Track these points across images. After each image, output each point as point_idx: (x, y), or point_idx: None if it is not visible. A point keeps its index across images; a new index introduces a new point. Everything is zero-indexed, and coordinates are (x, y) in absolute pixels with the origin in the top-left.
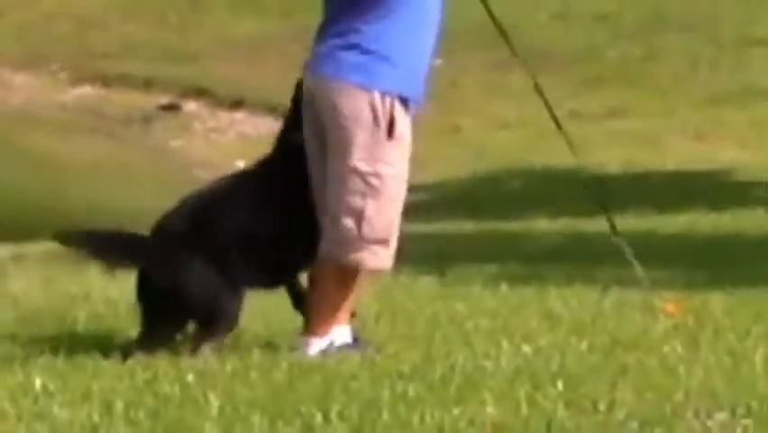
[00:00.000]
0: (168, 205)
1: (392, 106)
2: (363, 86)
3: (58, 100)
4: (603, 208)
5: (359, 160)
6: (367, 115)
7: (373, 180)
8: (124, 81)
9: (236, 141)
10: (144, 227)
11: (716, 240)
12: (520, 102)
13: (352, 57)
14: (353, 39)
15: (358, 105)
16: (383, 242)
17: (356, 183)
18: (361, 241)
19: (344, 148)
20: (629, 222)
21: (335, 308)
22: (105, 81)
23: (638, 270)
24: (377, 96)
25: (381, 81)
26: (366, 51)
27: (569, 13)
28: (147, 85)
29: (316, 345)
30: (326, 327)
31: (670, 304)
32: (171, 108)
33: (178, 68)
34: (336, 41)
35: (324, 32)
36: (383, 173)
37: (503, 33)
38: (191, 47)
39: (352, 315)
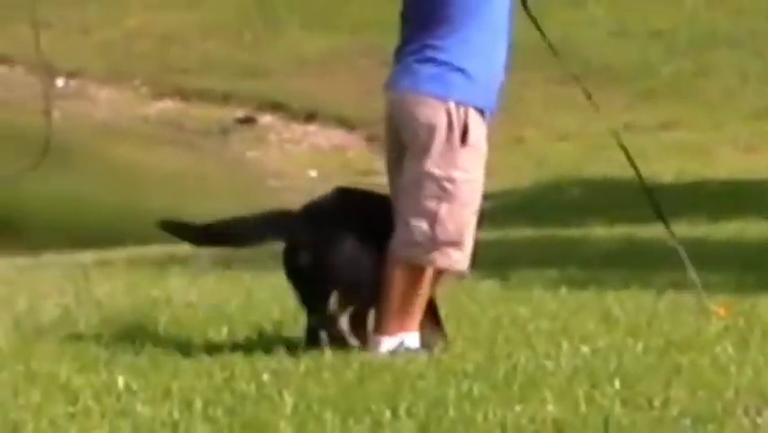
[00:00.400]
0: (241, 211)
1: (466, 115)
2: (439, 95)
3: (140, 114)
4: (659, 215)
5: (433, 165)
6: (442, 122)
7: (447, 185)
8: (203, 96)
9: (309, 152)
10: None
11: (765, 246)
12: (580, 115)
13: (427, 69)
14: (428, 53)
15: (434, 114)
16: (455, 244)
17: (431, 187)
18: (434, 242)
19: (421, 154)
20: (682, 229)
21: (405, 309)
22: (185, 96)
23: (692, 272)
24: (452, 104)
25: (456, 91)
26: (440, 63)
27: (625, 30)
28: (225, 99)
29: (386, 344)
30: (396, 326)
31: (721, 307)
32: (248, 121)
33: (254, 83)
34: (412, 58)
35: (401, 53)
36: (457, 178)
37: (554, 51)
38: (266, 63)
39: (442, 334)
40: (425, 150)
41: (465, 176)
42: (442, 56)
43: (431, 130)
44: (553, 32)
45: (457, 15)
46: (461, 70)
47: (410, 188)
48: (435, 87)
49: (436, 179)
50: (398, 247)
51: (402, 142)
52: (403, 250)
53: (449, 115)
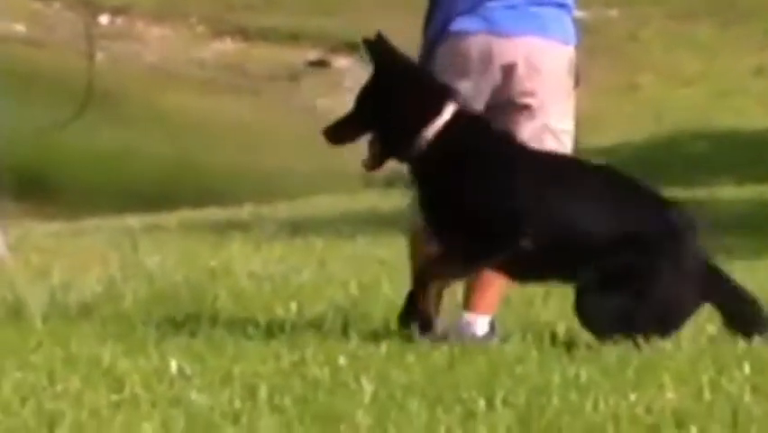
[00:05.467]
0: (313, 168)
1: (576, 56)
2: (564, 40)
3: (196, 56)
4: None
5: (554, 117)
6: (567, 70)
7: (563, 137)
8: (268, 35)
9: None
10: (288, 191)
11: None
12: (705, 56)
13: (550, 12)
14: None
15: (560, 62)
16: None
17: (549, 142)
18: None
19: (543, 107)
20: None
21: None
22: (247, 35)
23: None
24: (572, 49)
25: (573, 34)
26: (560, 6)
27: None
28: (293, 39)
29: (482, 324)
30: (495, 304)
31: None
32: (320, 64)
33: (328, 20)
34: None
35: None
36: (569, 129)
37: None
38: None
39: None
40: (549, 102)
41: (572, 125)
42: None
43: (557, 80)
44: None
45: None
46: (571, 10)
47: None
48: (561, 33)
49: (555, 133)
50: None
51: (507, 88)
52: None
53: (570, 61)
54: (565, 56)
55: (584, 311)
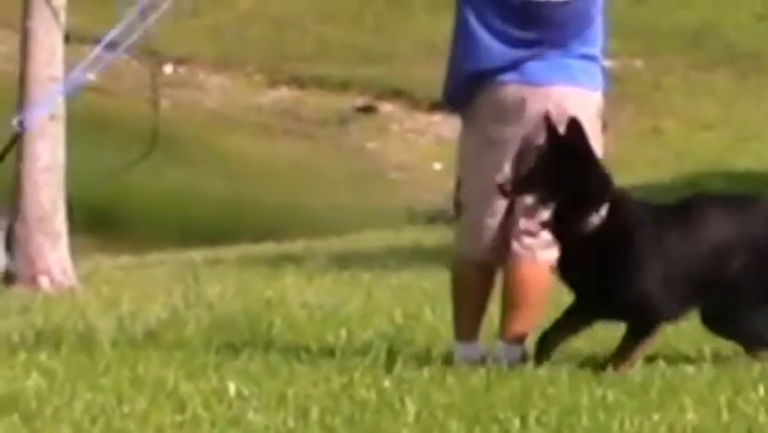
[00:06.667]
0: (361, 206)
1: (604, 103)
2: (592, 87)
3: (253, 102)
4: None
5: None
6: (595, 114)
7: None
8: (320, 83)
9: (434, 143)
10: (338, 227)
11: None
12: (724, 103)
13: (579, 63)
14: (576, 48)
15: (588, 107)
16: None
17: None
18: None
19: None
20: None
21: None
22: (301, 83)
23: None
24: (599, 95)
25: (600, 82)
26: (586, 57)
27: None
28: (343, 86)
29: (516, 352)
30: (528, 334)
31: None
32: (368, 110)
33: (375, 69)
34: (555, 51)
35: (523, 41)
36: None
37: None
38: (388, 48)
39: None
40: None
41: None
42: (588, 49)
43: (587, 123)
44: (695, 15)
45: (598, 11)
46: (599, 60)
47: None
48: (589, 81)
49: None
50: (538, 249)
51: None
52: (545, 252)
53: (598, 106)
54: (593, 102)
55: (732, 329)
